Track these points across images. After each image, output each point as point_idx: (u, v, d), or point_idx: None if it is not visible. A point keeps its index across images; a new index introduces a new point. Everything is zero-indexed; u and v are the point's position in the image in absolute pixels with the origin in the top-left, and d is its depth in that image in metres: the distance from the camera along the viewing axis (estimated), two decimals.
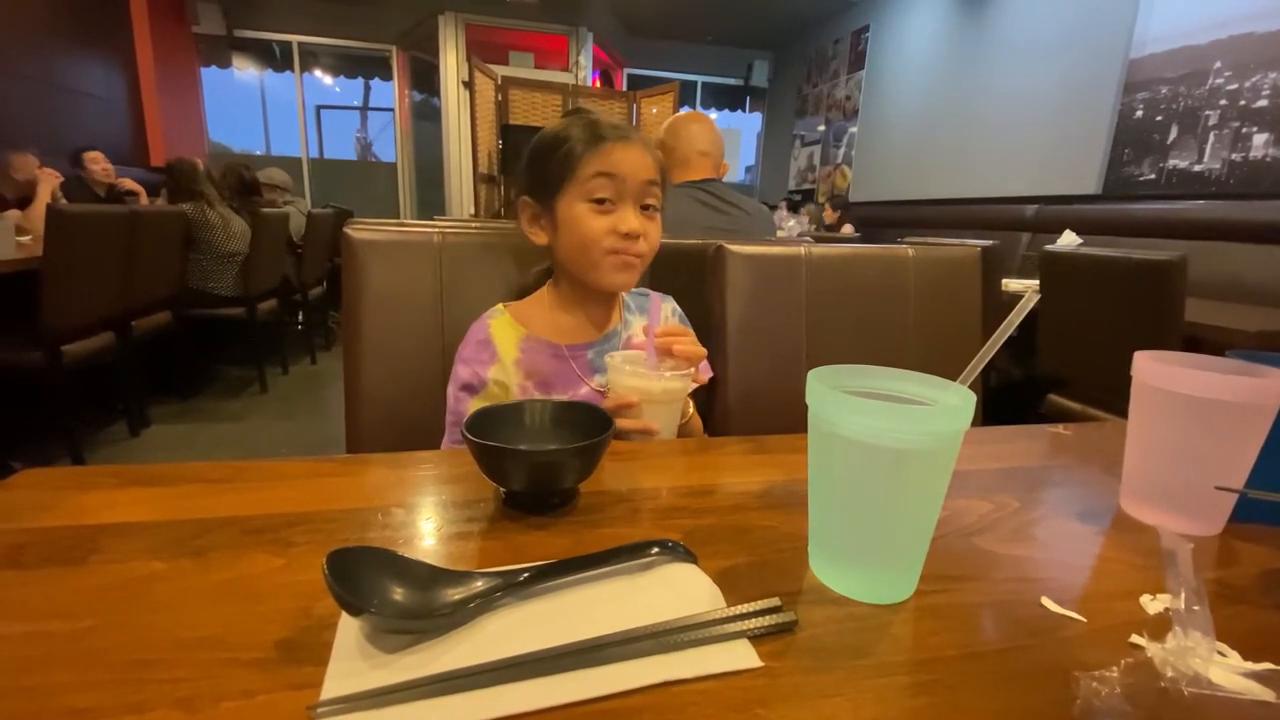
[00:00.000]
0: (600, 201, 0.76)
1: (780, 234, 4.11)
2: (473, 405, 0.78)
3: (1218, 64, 2.85)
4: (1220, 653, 0.34)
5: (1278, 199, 2.57)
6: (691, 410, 0.84)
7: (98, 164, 3.53)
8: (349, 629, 0.34)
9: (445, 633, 0.34)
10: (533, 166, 0.81)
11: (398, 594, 0.34)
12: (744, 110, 8.54)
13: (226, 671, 0.31)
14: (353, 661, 0.32)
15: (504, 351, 0.80)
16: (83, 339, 2.30)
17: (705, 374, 0.88)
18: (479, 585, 0.36)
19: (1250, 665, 0.34)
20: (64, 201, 2.97)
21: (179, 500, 0.49)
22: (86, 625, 0.35)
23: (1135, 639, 0.36)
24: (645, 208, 0.79)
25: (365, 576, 0.34)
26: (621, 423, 0.69)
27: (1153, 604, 0.40)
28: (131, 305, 2.56)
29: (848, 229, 4.90)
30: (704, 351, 0.76)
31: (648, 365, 0.71)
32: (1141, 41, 3.23)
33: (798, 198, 6.63)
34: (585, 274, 0.79)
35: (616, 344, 0.84)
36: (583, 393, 0.81)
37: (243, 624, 0.35)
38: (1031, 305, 0.41)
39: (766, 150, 8.19)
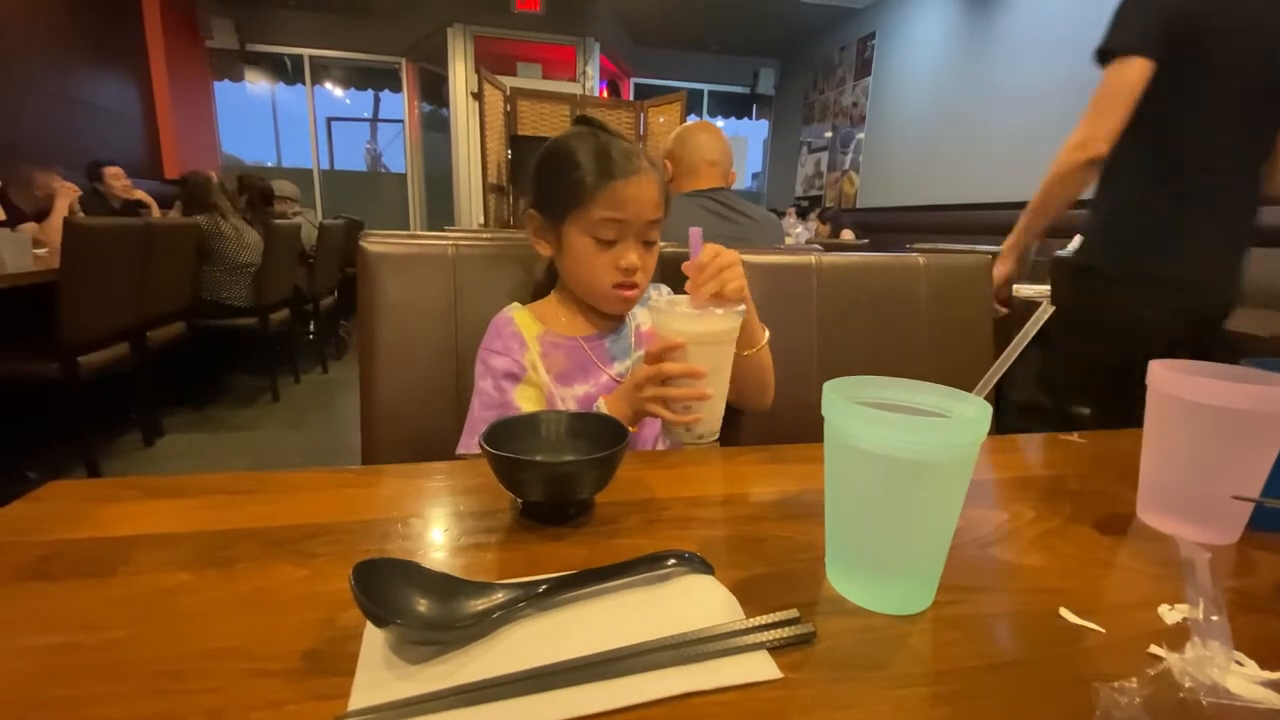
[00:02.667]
0: (605, 241, 0.78)
1: (788, 240, 4.11)
2: (517, 392, 0.79)
3: None
4: (1238, 662, 0.34)
5: None
6: (764, 339, 0.81)
7: (118, 180, 3.58)
8: (374, 640, 0.34)
9: (468, 644, 0.35)
10: (541, 181, 0.83)
11: (421, 605, 0.35)
12: (750, 118, 8.57)
13: (254, 682, 0.32)
14: (378, 672, 0.32)
15: (530, 342, 0.82)
16: (98, 350, 2.32)
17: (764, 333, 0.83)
18: (499, 597, 0.37)
19: (1268, 674, 0.34)
20: (81, 215, 3.02)
21: (203, 512, 0.50)
22: (116, 636, 0.35)
23: (1154, 649, 0.36)
24: (647, 243, 0.81)
25: (389, 588, 0.34)
26: (667, 367, 0.66)
27: (1171, 614, 0.40)
28: (146, 316, 2.59)
29: (847, 234, 4.89)
30: (744, 283, 0.71)
31: (694, 305, 0.69)
32: None
33: (805, 204, 6.64)
34: (586, 299, 0.84)
35: (628, 333, 0.86)
36: (603, 381, 0.82)
37: (269, 635, 0.35)
38: (1046, 318, 0.41)
39: (773, 157, 8.21)
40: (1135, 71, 1.24)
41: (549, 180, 0.81)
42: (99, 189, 3.54)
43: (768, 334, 0.81)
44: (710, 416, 0.69)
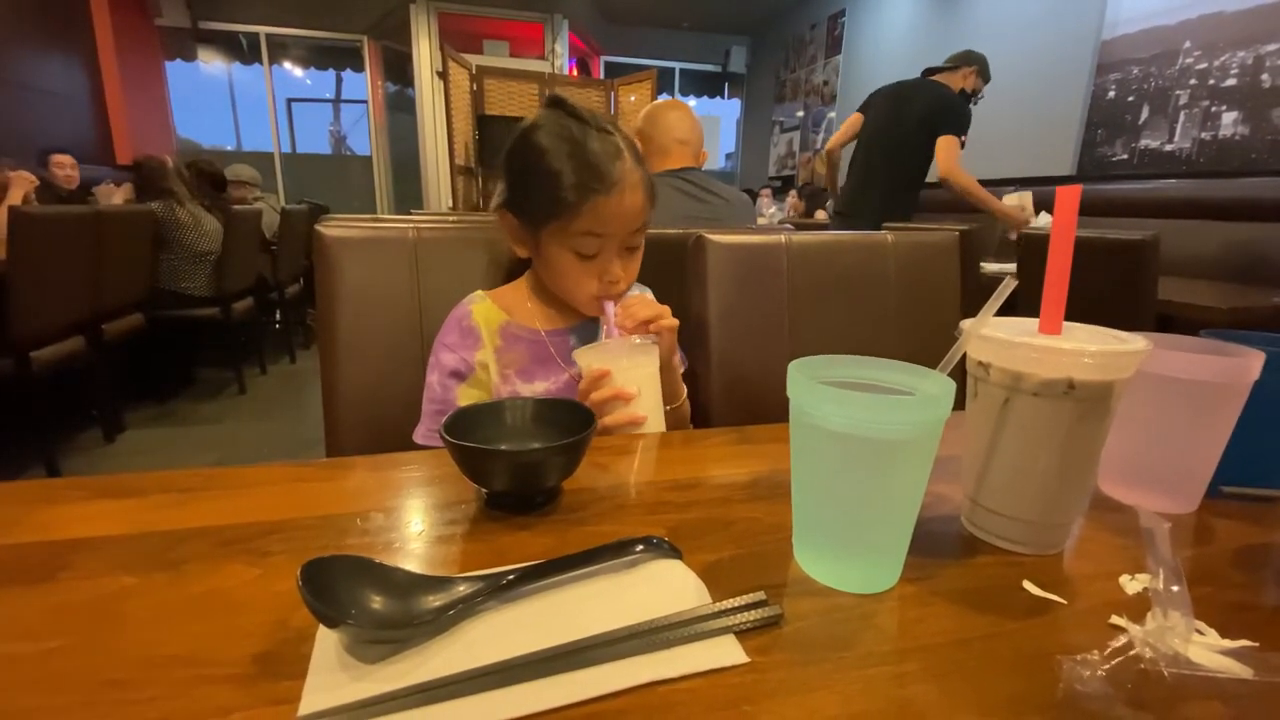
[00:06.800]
0: (586, 256, 0.75)
1: (761, 220, 4.11)
2: (461, 391, 0.78)
3: (1187, 43, 2.88)
4: (1199, 631, 0.35)
5: (1246, 177, 2.61)
6: (683, 396, 0.84)
7: (61, 169, 3.43)
8: (327, 640, 0.33)
9: (427, 640, 0.33)
10: (514, 181, 0.78)
11: (376, 602, 0.34)
12: (723, 97, 8.51)
13: (201, 689, 0.31)
14: (331, 674, 0.31)
15: (486, 337, 0.80)
16: (52, 344, 2.24)
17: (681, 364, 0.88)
18: (460, 590, 0.36)
19: (1228, 643, 0.34)
20: (35, 204, 2.89)
21: (151, 511, 0.48)
22: (55, 646, 0.34)
23: (1115, 620, 0.36)
24: (630, 249, 0.79)
25: (342, 586, 0.33)
26: (594, 395, 0.69)
27: (1131, 584, 0.40)
28: (102, 308, 2.50)
29: (821, 215, 4.89)
30: (660, 309, 0.76)
31: (612, 345, 0.72)
32: (1113, 22, 3.25)
33: (778, 184, 6.63)
34: (563, 299, 0.82)
35: (596, 327, 0.83)
36: (563, 379, 0.81)
37: (218, 639, 0.34)
38: (1009, 292, 0.41)
39: (746, 137, 8.17)
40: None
41: (523, 185, 0.76)
42: (45, 178, 3.40)
43: (685, 393, 0.85)
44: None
